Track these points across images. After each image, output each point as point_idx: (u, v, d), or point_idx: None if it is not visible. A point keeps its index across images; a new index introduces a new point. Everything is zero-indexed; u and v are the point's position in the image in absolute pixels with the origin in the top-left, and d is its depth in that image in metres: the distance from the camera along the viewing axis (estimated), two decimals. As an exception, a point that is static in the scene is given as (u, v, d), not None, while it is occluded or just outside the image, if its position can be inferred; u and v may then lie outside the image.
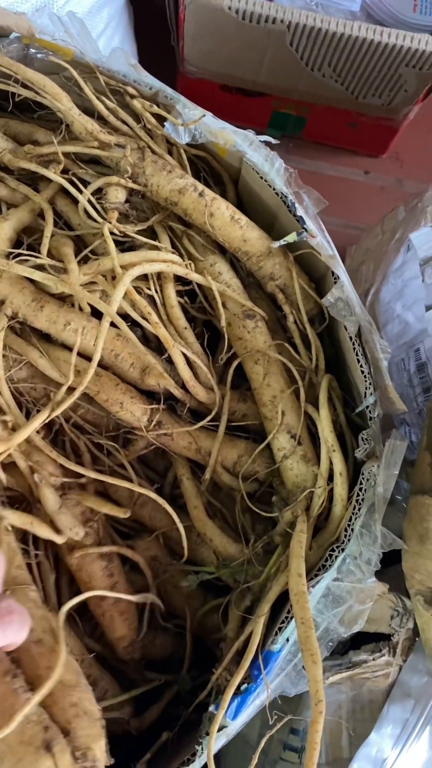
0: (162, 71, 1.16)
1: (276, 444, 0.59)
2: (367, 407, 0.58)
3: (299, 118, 1.22)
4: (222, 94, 1.20)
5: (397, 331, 0.88)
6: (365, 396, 0.58)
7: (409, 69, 1.01)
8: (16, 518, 0.53)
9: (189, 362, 0.58)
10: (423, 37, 0.96)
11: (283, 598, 0.56)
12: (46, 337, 0.59)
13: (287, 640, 0.54)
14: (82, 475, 0.58)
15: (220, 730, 0.51)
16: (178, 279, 0.63)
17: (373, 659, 0.67)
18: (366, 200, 1.30)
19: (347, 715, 0.67)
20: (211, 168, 0.67)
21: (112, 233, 0.59)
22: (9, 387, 0.57)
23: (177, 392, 0.59)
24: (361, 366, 0.58)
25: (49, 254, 0.59)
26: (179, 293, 0.62)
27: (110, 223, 0.58)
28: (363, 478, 0.56)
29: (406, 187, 1.30)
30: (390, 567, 0.68)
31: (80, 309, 0.57)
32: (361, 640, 0.69)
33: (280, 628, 0.53)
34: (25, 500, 0.58)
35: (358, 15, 1.07)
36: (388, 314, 0.91)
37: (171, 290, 0.59)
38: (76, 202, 0.60)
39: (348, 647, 0.69)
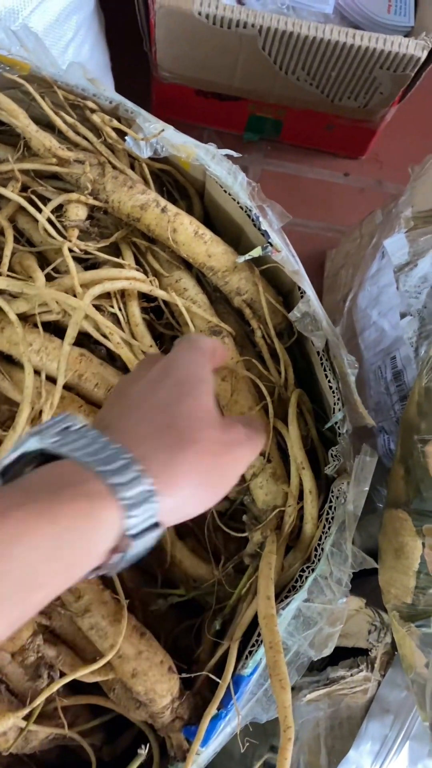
0: (136, 77, 1.15)
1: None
2: (336, 423, 0.57)
3: (276, 121, 1.21)
4: (197, 99, 1.19)
5: (374, 338, 0.87)
6: (334, 411, 0.57)
7: (384, 71, 1.00)
8: None
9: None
10: (396, 39, 0.95)
11: (254, 620, 0.56)
12: (8, 359, 0.58)
13: (259, 663, 0.53)
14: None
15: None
16: (144, 296, 0.62)
17: (351, 675, 0.67)
18: (346, 202, 1.29)
19: (325, 732, 0.66)
20: (177, 182, 0.66)
21: (73, 251, 0.58)
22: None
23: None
24: (329, 381, 0.57)
25: (12, 270, 0.58)
26: (145, 310, 0.61)
27: (70, 241, 0.56)
28: (332, 496, 0.56)
29: (386, 189, 1.29)
30: (367, 579, 0.68)
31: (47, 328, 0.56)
32: (338, 656, 0.68)
33: (250, 652, 0.52)
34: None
35: (332, 17, 1.06)
36: (365, 321, 0.90)
37: (135, 308, 0.58)
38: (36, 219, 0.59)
39: (326, 663, 0.68)
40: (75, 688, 0.55)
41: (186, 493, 0.37)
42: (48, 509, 0.30)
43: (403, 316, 0.79)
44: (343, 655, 0.68)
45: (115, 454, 0.35)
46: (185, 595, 0.58)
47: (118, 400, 0.43)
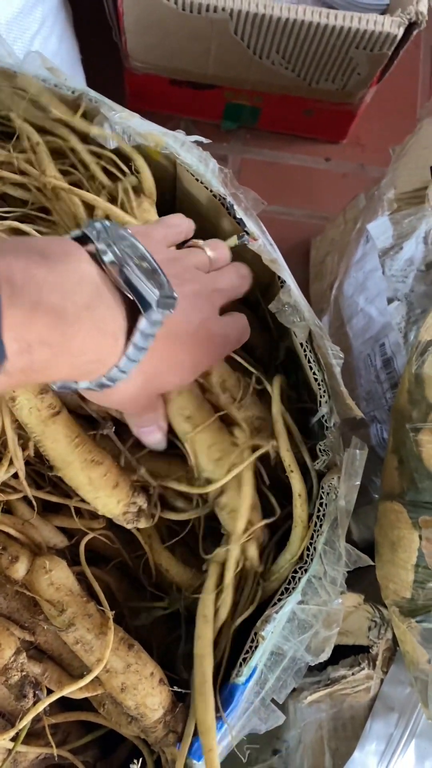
0: (109, 69, 1.12)
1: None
2: (323, 416, 0.55)
3: (254, 108, 1.19)
4: (172, 89, 1.16)
5: (362, 326, 0.85)
6: (320, 404, 0.55)
7: (360, 51, 0.97)
8: None
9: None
10: (371, 17, 0.93)
11: (247, 625, 0.54)
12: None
13: (253, 670, 0.51)
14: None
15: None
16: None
17: (353, 674, 0.65)
18: (329, 188, 1.26)
19: (329, 734, 0.64)
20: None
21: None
22: None
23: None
24: (314, 373, 0.55)
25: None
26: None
27: None
28: (323, 492, 0.53)
29: (369, 172, 1.27)
30: (364, 573, 0.66)
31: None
32: (339, 654, 0.67)
33: (244, 659, 0.50)
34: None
35: (305, -2, 1.04)
36: (352, 308, 0.88)
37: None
38: None
39: (326, 663, 0.66)
40: (64, 704, 0.53)
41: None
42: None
43: (390, 301, 0.76)
44: (344, 653, 0.66)
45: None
46: (168, 607, 0.56)
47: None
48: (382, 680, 0.65)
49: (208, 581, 0.51)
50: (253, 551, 0.53)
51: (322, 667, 0.66)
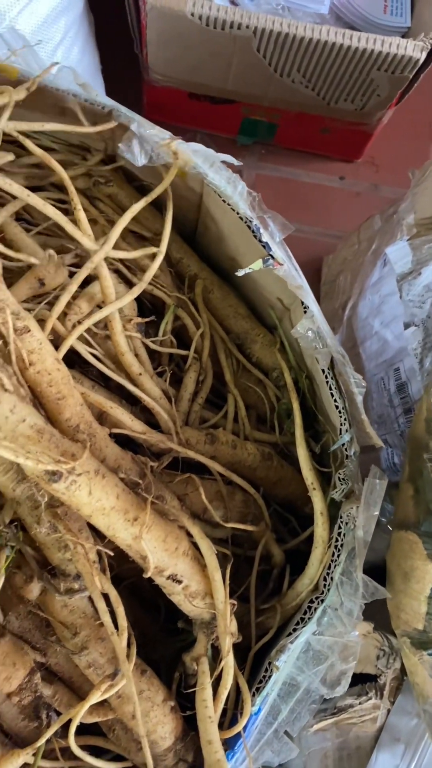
0: (127, 80, 1.12)
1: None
2: (343, 445, 0.54)
3: (271, 124, 1.19)
4: (190, 102, 1.16)
5: (376, 349, 0.85)
6: (341, 433, 0.54)
7: (381, 73, 0.98)
8: None
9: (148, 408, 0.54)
10: (394, 40, 0.93)
11: (262, 652, 0.53)
12: None
13: (266, 697, 0.51)
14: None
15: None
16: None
17: (360, 703, 0.64)
18: (342, 207, 1.26)
19: (334, 764, 0.63)
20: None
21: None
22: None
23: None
24: (335, 400, 0.55)
25: None
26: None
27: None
28: (342, 522, 0.53)
29: (382, 193, 1.27)
30: (374, 601, 0.65)
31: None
32: (346, 683, 0.66)
33: (258, 689, 0.50)
34: None
35: (327, 18, 1.04)
36: (366, 330, 0.87)
37: (120, 336, 0.54)
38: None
39: (333, 690, 0.66)
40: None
41: None
42: None
43: (407, 326, 0.76)
44: (351, 681, 0.66)
45: None
46: (187, 640, 0.55)
47: None
48: (389, 710, 0.65)
49: (201, 678, 0.48)
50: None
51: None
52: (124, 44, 1.09)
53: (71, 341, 0.48)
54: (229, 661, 0.47)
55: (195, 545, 0.50)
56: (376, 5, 1.05)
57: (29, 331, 0.41)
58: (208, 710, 0.45)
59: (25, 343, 0.40)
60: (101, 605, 0.44)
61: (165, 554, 0.47)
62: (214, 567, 0.48)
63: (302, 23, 0.92)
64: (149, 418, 0.57)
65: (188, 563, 0.48)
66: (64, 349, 0.46)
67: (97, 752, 0.55)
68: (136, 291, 0.53)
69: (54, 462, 0.40)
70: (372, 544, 0.89)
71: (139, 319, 0.58)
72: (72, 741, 0.44)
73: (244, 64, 1.01)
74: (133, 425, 0.51)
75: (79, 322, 0.51)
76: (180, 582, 0.48)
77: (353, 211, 1.25)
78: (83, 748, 0.53)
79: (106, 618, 0.44)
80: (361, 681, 0.66)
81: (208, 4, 0.92)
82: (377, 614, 0.69)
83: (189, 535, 0.50)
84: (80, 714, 0.44)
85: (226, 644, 0.47)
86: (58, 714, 0.50)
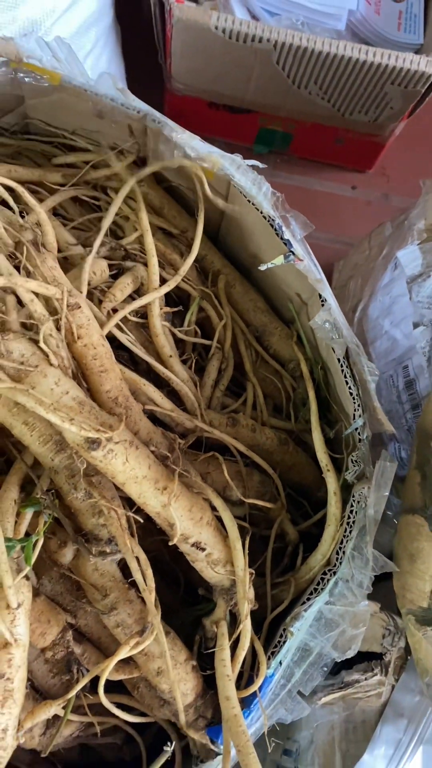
0: (148, 88, 1.16)
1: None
2: (356, 429, 0.58)
3: (286, 134, 1.23)
4: (209, 111, 1.20)
5: (385, 348, 0.89)
6: (354, 418, 0.58)
7: (395, 87, 1.02)
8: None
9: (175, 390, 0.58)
10: (408, 56, 0.97)
11: (277, 620, 0.57)
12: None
13: (280, 663, 0.54)
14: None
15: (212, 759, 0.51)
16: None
17: (365, 679, 0.67)
18: (353, 215, 1.30)
19: (340, 736, 0.67)
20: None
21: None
22: None
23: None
24: (349, 388, 0.58)
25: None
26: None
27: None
28: (354, 500, 0.57)
29: (393, 202, 1.31)
30: (380, 584, 0.69)
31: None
32: (352, 660, 0.69)
33: (273, 653, 0.53)
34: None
35: (344, 34, 1.09)
36: (376, 330, 0.91)
37: (155, 318, 0.59)
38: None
39: (340, 667, 0.69)
40: (97, 686, 0.56)
41: None
42: None
43: (416, 326, 0.80)
44: (357, 659, 0.69)
45: None
46: (204, 610, 0.58)
47: None
48: (393, 687, 0.68)
49: (220, 640, 0.52)
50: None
51: (336, 670, 0.69)
52: (146, 53, 1.14)
53: (115, 321, 0.52)
54: (246, 625, 0.51)
55: (217, 518, 0.54)
56: (390, 23, 1.10)
57: (80, 307, 0.45)
58: (227, 669, 0.49)
59: (75, 318, 0.45)
60: (133, 564, 0.48)
61: (190, 523, 0.51)
62: (235, 537, 0.52)
63: (321, 38, 0.97)
64: (174, 402, 0.61)
65: (211, 532, 0.52)
66: (107, 329, 0.50)
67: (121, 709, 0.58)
68: (172, 283, 0.58)
69: (94, 430, 0.44)
70: (378, 540, 0.93)
71: (168, 309, 0.62)
72: (102, 692, 0.47)
73: (264, 75, 1.05)
74: (162, 403, 0.55)
75: (115, 310, 0.55)
76: (203, 549, 0.52)
77: (364, 219, 1.29)
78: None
79: (138, 576, 0.48)
80: (367, 658, 0.69)
81: (231, 19, 0.96)
82: (384, 596, 0.72)
83: (212, 508, 0.54)
84: (110, 666, 0.48)
85: (245, 609, 0.51)
86: (87, 671, 0.54)
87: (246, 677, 0.54)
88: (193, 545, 0.51)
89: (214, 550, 0.52)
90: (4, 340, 0.42)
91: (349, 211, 1.31)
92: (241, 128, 1.24)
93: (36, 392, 0.43)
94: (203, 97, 1.16)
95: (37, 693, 0.54)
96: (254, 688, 0.51)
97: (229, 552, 0.52)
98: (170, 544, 0.50)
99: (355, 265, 1.16)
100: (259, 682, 0.51)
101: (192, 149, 0.60)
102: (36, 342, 0.45)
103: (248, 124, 1.22)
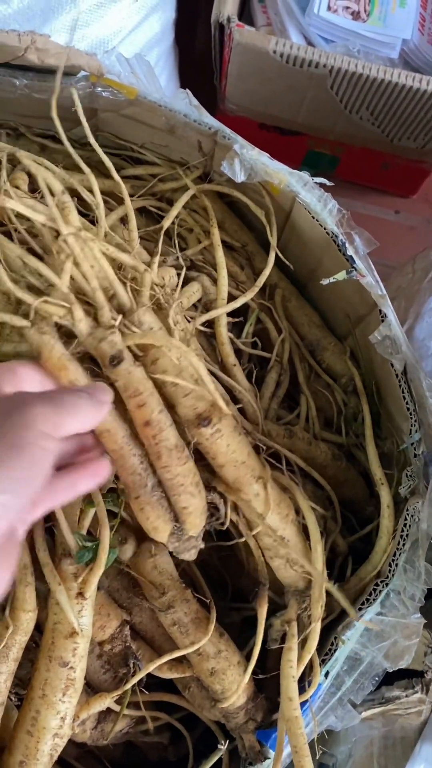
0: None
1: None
2: (412, 444, 0.59)
3: (333, 157, 1.25)
4: (259, 132, 1.23)
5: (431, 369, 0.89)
6: (410, 433, 0.59)
7: (445, 115, 1.04)
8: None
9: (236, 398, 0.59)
10: (460, 86, 0.99)
11: (327, 628, 0.57)
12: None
13: (326, 674, 0.55)
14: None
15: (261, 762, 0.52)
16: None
17: (406, 696, 0.67)
18: (396, 239, 1.32)
19: (378, 752, 0.67)
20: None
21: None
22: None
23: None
24: (406, 403, 0.59)
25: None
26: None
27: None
28: (407, 514, 0.57)
29: (435, 228, 1.33)
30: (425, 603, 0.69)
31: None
32: (393, 676, 0.69)
33: (323, 660, 0.54)
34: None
35: (397, 62, 1.11)
36: (422, 351, 0.92)
37: (223, 328, 0.61)
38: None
39: (381, 682, 0.69)
40: (147, 685, 0.57)
41: None
42: None
43: (464, 348, 0.81)
44: (398, 675, 0.69)
45: None
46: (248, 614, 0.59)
47: None
48: (433, 705, 0.68)
49: (289, 641, 0.53)
50: None
51: (377, 686, 0.69)
52: (199, 75, 1.18)
53: (197, 324, 0.55)
54: (316, 628, 0.51)
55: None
56: (442, 52, 1.12)
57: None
58: (293, 670, 0.50)
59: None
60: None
61: (278, 517, 0.52)
62: (317, 540, 0.53)
63: (375, 65, 0.99)
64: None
65: (294, 531, 0.53)
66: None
67: (167, 711, 0.59)
68: (242, 300, 0.60)
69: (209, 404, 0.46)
70: (428, 556, 0.93)
71: (229, 319, 0.63)
72: (164, 673, 0.49)
73: (317, 99, 1.08)
74: (233, 409, 0.57)
75: (191, 318, 0.57)
76: (286, 546, 0.53)
77: (407, 243, 1.31)
78: (158, 704, 0.58)
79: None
80: (409, 676, 0.69)
81: (288, 44, 0.99)
82: (427, 614, 0.72)
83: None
84: (170, 657, 0.49)
85: (318, 612, 0.52)
86: (141, 667, 0.55)
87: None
88: (275, 540, 0.53)
89: (295, 549, 0.53)
90: (139, 310, 0.45)
91: (391, 235, 1.32)
92: (290, 150, 1.27)
93: (162, 363, 0.46)
94: (255, 118, 1.19)
95: (89, 688, 0.55)
96: (307, 695, 0.52)
97: (307, 553, 0.54)
98: (252, 533, 0.52)
99: (398, 287, 1.17)
100: (313, 688, 0.52)
101: (261, 165, 0.62)
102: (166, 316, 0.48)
103: (297, 146, 1.25)
